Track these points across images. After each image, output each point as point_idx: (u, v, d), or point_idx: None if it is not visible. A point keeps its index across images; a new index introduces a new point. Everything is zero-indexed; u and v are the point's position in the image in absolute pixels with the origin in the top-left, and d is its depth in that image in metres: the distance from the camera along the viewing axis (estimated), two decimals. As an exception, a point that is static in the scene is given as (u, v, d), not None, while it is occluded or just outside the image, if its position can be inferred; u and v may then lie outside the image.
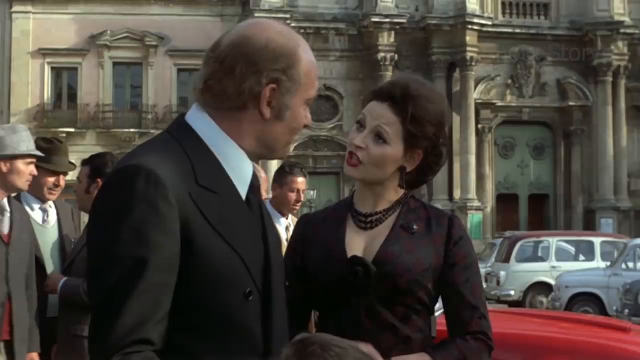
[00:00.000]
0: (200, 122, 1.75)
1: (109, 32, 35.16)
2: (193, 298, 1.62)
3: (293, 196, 5.09)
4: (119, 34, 35.39)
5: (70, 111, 35.30)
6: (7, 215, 4.10)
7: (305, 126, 1.81)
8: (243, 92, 1.71)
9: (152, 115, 35.32)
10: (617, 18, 35.61)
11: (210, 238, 1.63)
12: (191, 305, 1.62)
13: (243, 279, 1.67)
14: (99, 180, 4.36)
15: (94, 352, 1.58)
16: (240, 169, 1.75)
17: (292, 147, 2.74)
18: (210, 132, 1.73)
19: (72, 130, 33.74)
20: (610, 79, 35.82)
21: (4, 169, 4.08)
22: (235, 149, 1.74)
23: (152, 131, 34.85)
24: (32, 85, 34.95)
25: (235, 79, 1.70)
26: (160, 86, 35.55)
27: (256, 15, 33.04)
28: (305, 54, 1.77)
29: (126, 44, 35.61)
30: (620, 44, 35.95)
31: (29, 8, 35.21)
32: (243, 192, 1.75)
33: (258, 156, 1.80)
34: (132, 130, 35.07)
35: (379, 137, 2.23)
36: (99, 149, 33.70)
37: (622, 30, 35.71)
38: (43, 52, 34.89)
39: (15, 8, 35.15)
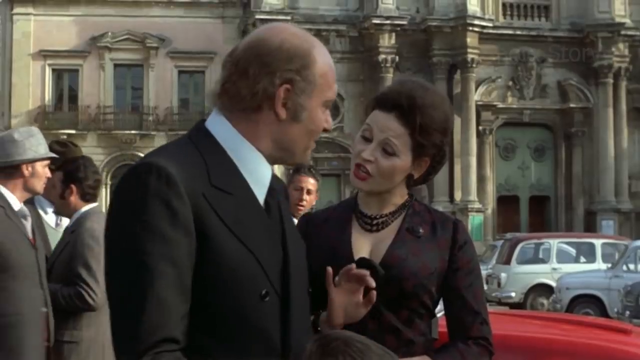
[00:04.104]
0: (217, 125, 1.75)
1: (109, 33, 35.21)
2: (208, 297, 1.62)
3: (296, 194, 4.96)
4: (119, 35, 35.44)
5: (71, 113, 35.36)
6: (29, 219, 4.08)
7: (325, 129, 1.80)
8: (257, 92, 1.71)
9: (152, 117, 35.36)
10: (617, 20, 35.61)
11: (224, 236, 1.63)
12: (206, 304, 1.63)
13: (258, 280, 1.66)
14: (73, 185, 4.33)
15: (121, 352, 1.58)
16: (257, 172, 1.74)
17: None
18: (226, 135, 1.73)
19: (73, 131, 33.74)
20: (611, 80, 35.82)
21: (26, 173, 4.04)
22: (252, 151, 1.74)
23: (153, 133, 34.94)
24: (33, 87, 34.99)
25: (249, 80, 1.71)
26: (161, 88, 35.59)
27: (256, 17, 33.11)
28: (321, 55, 1.77)
29: (127, 45, 35.67)
30: (621, 45, 35.95)
31: (30, 10, 35.26)
32: (260, 194, 1.75)
33: (277, 159, 1.79)
34: (132, 131, 35.11)
35: (388, 150, 2.22)
36: (99, 151, 33.84)
37: (622, 32, 35.72)
38: (44, 54, 34.94)
39: (16, 10, 35.21)
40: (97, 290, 4.18)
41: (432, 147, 2.24)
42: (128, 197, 1.62)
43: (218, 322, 1.63)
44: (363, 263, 2.13)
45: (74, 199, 4.36)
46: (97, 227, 4.27)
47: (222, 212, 1.64)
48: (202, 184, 1.64)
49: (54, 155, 4.24)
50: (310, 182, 5.09)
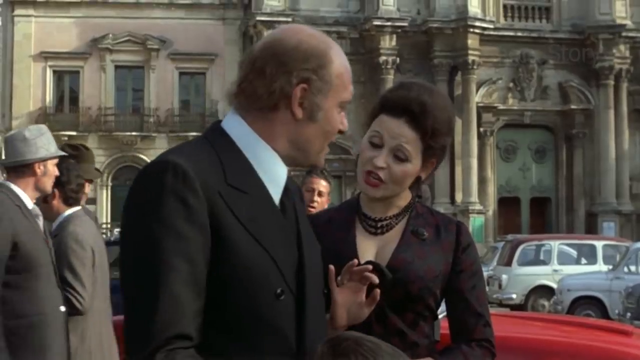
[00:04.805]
0: (233, 124, 1.76)
1: (110, 35, 35.24)
2: (223, 296, 1.63)
3: (307, 196, 4.91)
4: (120, 37, 35.47)
5: (72, 114, 35.37)
6: (41, 218, 4.07)
7: (340, 131, 1.81)
8: (274, 91, 1.71)
9: (153, 119, 35.37)
10: (618, 21, 35.60)
11: (239, 235, 1.63)
12: (221, 303, 1.63)
13: (273, 279, 1.66)
14: (55, 189, 4.30)
15: (135, 349, 1.58)
16: (272, 171, 1.75)
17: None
18: (241, 134, 1.74)
19: (73, 133, 33.74)
20: (612, 82, 35.81)
21: (39, 172, 4.02)
22: (268, 151, 1.74)
23: (154, 134, 34.96)
24: (34, 88, 35.01)
25: (266, 79, 1.71)
26: (162, 89, 35.60)
27: (257, 18, 33.14)
28: (337, 56, 1.78)
29: (128, 47, 35.69)
30: (622, 47, 35.94)
31: (31, 11, 35.29)
32: (276, 194, 1.75)
33: (292, 160, 1.78)
34: (133, 133, 35.12)
35: (400, 156, 2.21)
36: (100, 152, 33.86)
37: (623, 34, 35.70)
38: (45, 55, 34.96)
39: (17, 11, 35.24)
40: (84, 294, 4.17)
41: (440, 149, 2.25)
42: (144, 193, 1.63)
43: (233, 321, 1.63)
44: (371, 267, 2.12)
45: (56, 202, 4.36)
46: (80, 230, 4.26)
47: (238, 211, 1.64)
48: (218, 182, 1.65)
49: (64, 153, 4.24)
50: (322, 184, 5.10)
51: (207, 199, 1.61)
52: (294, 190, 1.85)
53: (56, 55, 34.99)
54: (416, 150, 2.21)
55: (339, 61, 1.78)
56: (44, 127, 4.22)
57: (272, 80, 1.71)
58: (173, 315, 1.56)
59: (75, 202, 4.41)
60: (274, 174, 1.75)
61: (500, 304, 18.48)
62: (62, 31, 34.96)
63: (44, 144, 4.05)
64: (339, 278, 2.04)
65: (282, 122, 1.74)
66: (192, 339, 1.58)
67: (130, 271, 1.62)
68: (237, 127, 1.75)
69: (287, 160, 1.77)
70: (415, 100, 2.21)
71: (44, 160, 4.03)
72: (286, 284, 1.68)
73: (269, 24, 32.97)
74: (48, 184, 4.08)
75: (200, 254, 1.60)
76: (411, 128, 2.20)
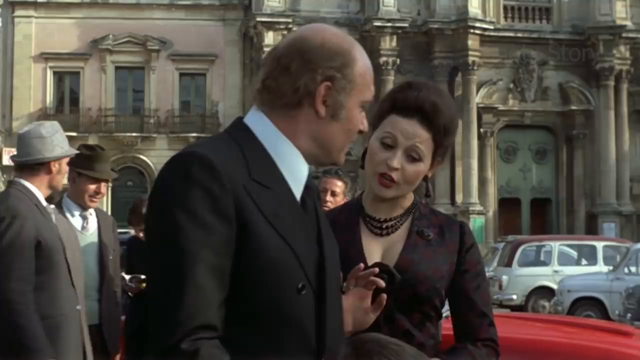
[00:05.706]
0: (256, 121, 1.77)
1: (110, 36, 35.25)
2: (246, 289, 1.63)
3: (321, 195, 4.92)
4: (120, 38, 35.47)
5: (72, 115, 35.34)
6: (53, 217, 4.04)
7: (360, 131, 1.82)
8: (298, 88, 1.73)
9: (154, 120, 35.37)
10: (619, 22, 35.59)
11: (263, 229, 1.64)
12: (244, 296, 1.63)
13: (295, 274, 1.67)
14: None
15: (160, 338, 1.58)
16: (294, 168, 1.76)
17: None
18: (264, 130, 1.75)
19: (74, 134, 33.57)
20: (612, 83, 35.79)
21: (54, 170, 4.00)
22: (290, 148, 1.75)
23: (154, 135, 34.95)
24: (34, 89, 35.01)
25: (291, 76, 1.73)
26: (162, 90, 35.60)
27: (257, 19, 33.14)
28: (360, 56, 1.80)
29: (128, 48, 35.69)
30: (622, 48, 35.92)
31: (31, 12, 35.30)
32: (297, 191, 1.76)
33: (313, 157, 1.80)
34: (134, 134, 35.10)
35: (414, 156, 2.22)
36: (101, 153, 33.86)
37: (624, 35, 35.69)
38: (45, 56, 34.97)
39: (18, 12, 35.24)
40: None
41: (447, 147, 2.27)
42: (171, 184, 1.64)
43: (255, 314, 1.64)
44: (380, 268, 2.12)
45: None
46: None
47: (262, 205, 1.66)
48: (243, 176, 1.66)
49: (77, 151, 4.24)
50: (337, 184, 5.10)
51: (232, 192, 1.63)
52: (314, 188, 1.87)
53: (56, 56, 34.99)
54: (429, 149, 2.23)
55: (363, 61, 1.79)
56: (57, 124, 4.16)
57: (296, 78, 1.72)
58: (198, 305, 1.57)
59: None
60: (296, 171, 1.76)
61: (501, 305, 18.46)
62: (63, 32, 34.96)
63: (60, 142, 4.02)
64: (344, 284, 2.04)
65: (305, 120, 1.75)
66: (217, 330, 1.59)
67: (156, 261, 1.63)
68: (259, 123, 1.76)
69: (309, 158, 1.78)
70: (427, 100, 2.22)
71: (60, 158, 4.02)
72: (307, 280, 1.68)
73: (269, 25, 33.01)
74: (61, 182, 4.07)
75: (225, 246, 1.61)
76: (424, 128, 2.21)
